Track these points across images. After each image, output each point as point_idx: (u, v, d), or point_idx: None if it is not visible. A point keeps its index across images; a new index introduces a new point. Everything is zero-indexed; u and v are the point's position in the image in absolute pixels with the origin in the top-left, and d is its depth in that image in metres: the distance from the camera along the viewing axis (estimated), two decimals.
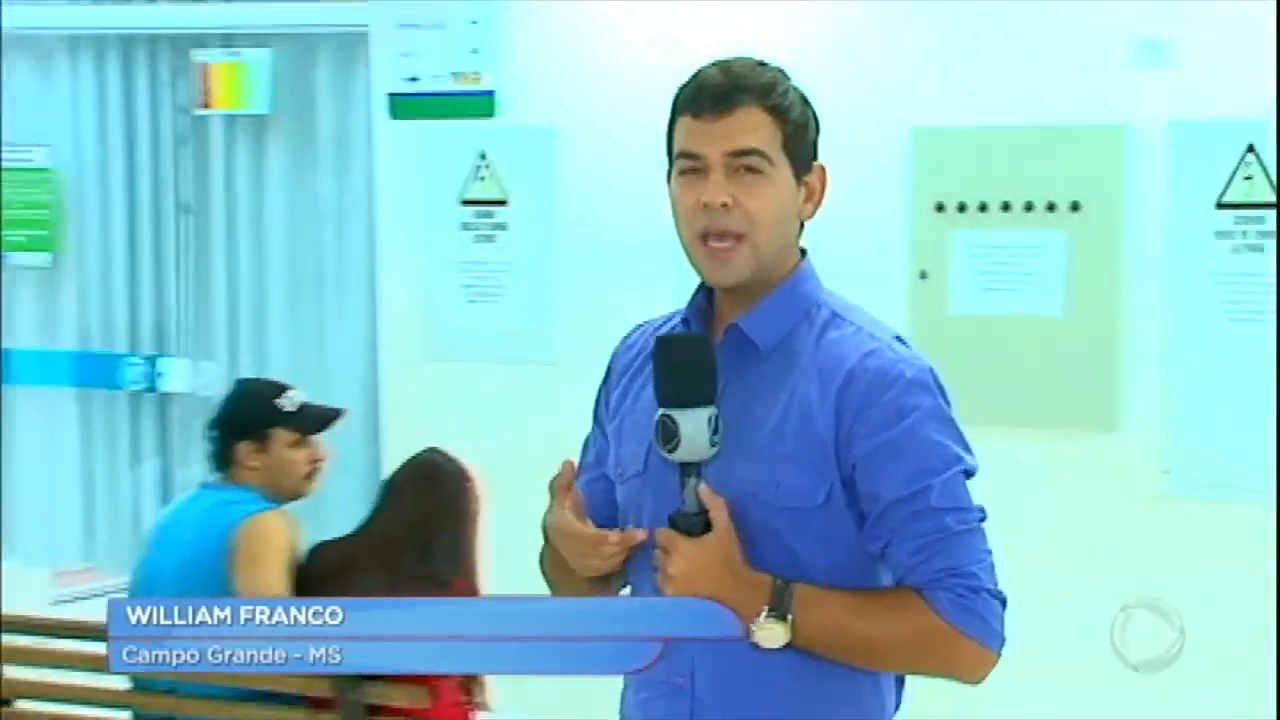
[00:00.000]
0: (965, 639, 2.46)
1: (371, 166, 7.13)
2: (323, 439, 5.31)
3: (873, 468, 2.51)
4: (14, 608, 5.73)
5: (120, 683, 5.11)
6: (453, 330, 6.81)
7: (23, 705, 5.25)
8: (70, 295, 7.81)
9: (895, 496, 2.49)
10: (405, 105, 6.85)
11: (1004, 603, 2.52)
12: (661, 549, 2.48)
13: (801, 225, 2.71)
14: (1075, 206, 5.97)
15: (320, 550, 5.05)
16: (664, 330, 2.75)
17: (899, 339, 2.65)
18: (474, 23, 6.60)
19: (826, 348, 2.59)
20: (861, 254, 6.13)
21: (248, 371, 7.23)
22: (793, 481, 2.53)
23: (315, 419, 5.32)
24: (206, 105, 7.39)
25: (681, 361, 2.47)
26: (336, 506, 6.14)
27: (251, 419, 5.20)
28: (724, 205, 2.53)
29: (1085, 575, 5.99)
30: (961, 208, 6.17)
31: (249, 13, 7.32)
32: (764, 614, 2.44)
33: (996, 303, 6.15)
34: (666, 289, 6.38)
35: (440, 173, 6.75)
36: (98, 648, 5.07)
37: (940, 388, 2.60)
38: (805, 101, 2.67)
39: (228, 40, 7.34)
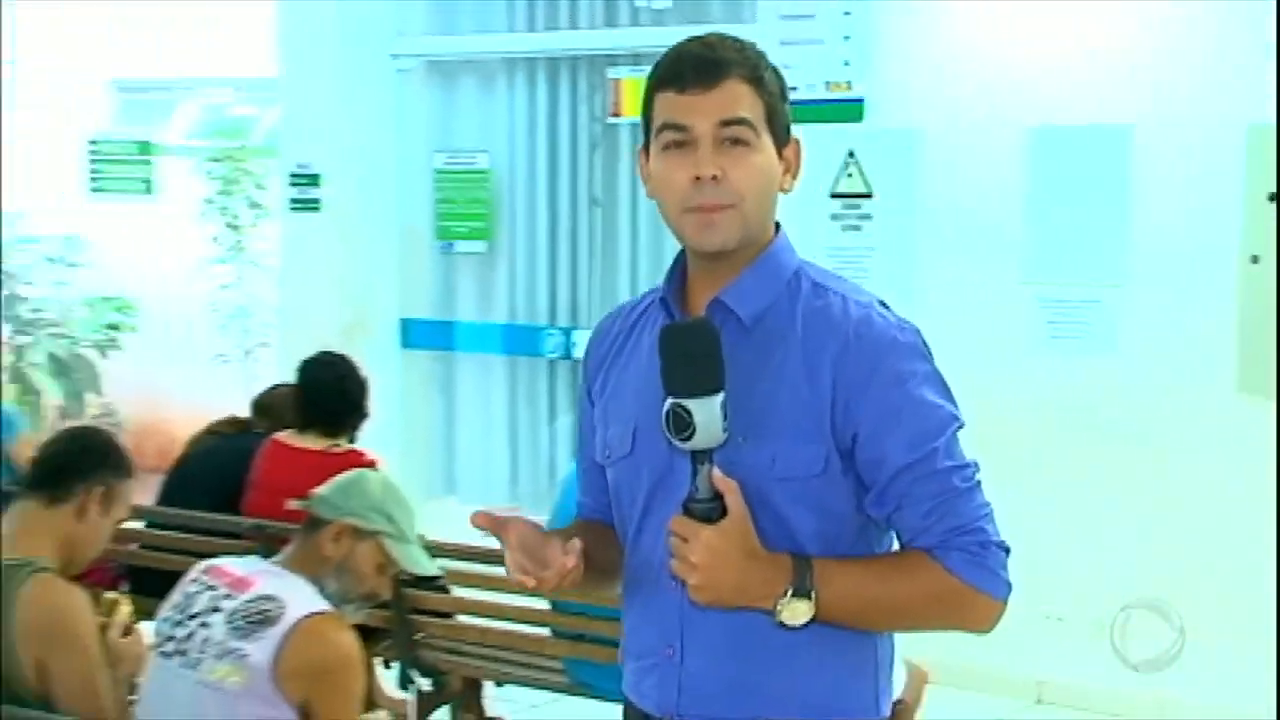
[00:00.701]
0: (978, 593, 2.19)
1: None
2: None
3: (877, 434, 2.20)
4: (457, 539, 5.82)
5: (540, 603, 5.13)
6: None
7: (463, 619, 5.30)
8: (502, 277, 8.07)
9: (903, 462, 2.19)
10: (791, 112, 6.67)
11: (1008, 551, 2.23)
12: (680, 538, 2.13)
13: (777, 198, 2.37)
14: None
15: None
16: (639, 312, 2.46)
17: (882, 303, 2.33)
18: (846, 38, 6.58)
19: (812, 316, 2.27)
20: (1199, 239, 5.93)
21: None
22: (790, 452, 2.21)
23: None
24: (616, 114, 7.55)
25: (691, 350, 2.10)
26: None
27: None
28: (714, 178, 2.21)
29: None
30: None
31: (654, 34, 7.34)
32: (789, 593, 2.13)
33: None
34: (1014, 271, 6.21)
35: (813, 170, 6.54)
36: None
37: (928, 349, 2.29)
38: (779, 76, 2.35)
39: (635, 59, 7.47)
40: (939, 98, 6.48)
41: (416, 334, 8.23)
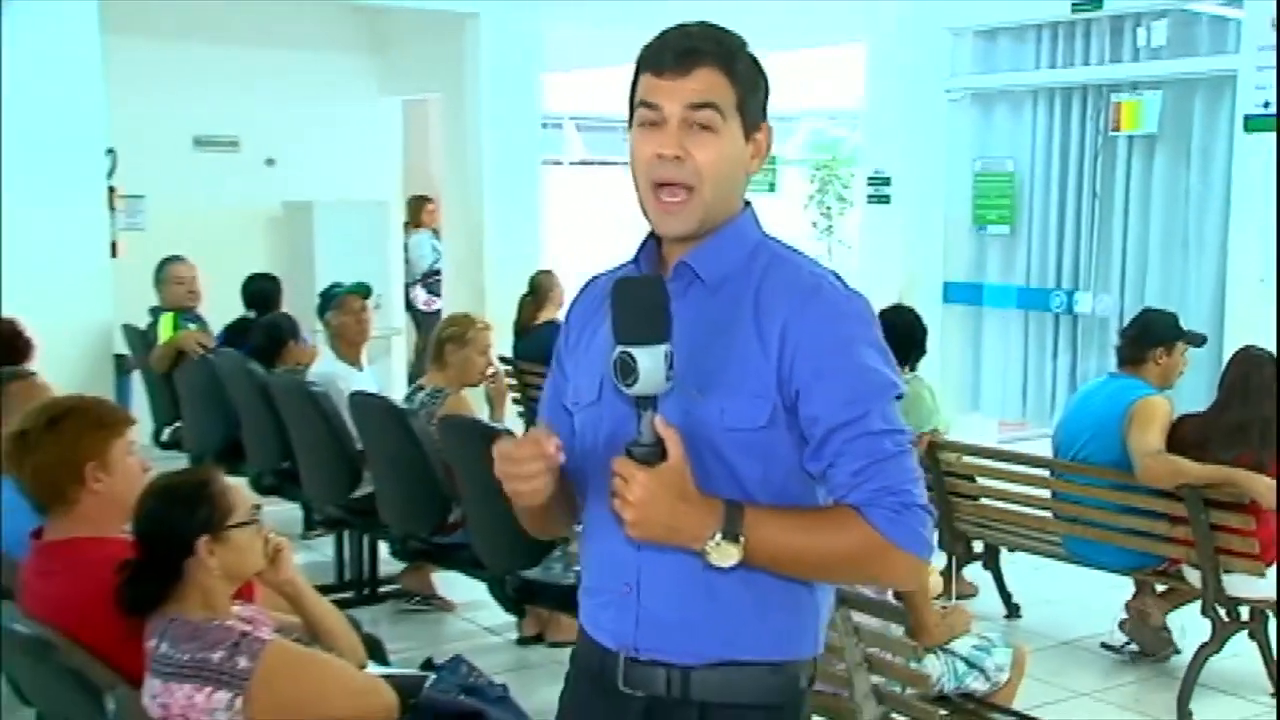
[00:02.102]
0: (899, 551, 1.73)
1: (1229, 166, 6.66)
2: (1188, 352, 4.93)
3: (816, 393, 1.75)
4: (984, 442, 5.80)
5: (1044, 493, 5.03)
6: None
7: (985, 502, 5.27)
8: (1020, 251, 7.85)
9: (838, 421, 1.74)
10: (1258, 123, 6.35)
11: (932, 515, 1.77)
12: (620, 478, 1.69)
13: (748, 177, 1.88)
14: None
15: (1182, 420, 4.70)
16: (621, 273, 1.93)
17: (836, 276, 1.86)
18: None
19: (770, 283, 1.81)
20: None
21: (1132, 303, 6.98)
22: (737, 406, 1.77)
23: (1198, 338, 5.00)
24: (1115, 129, 7.20)
25: (639, 302, 1.69)
26: (1189, 395, 5.64)
27: (1166, 332, 4.88)
28: (677, 158, 1.78)
29: None
30: None
31: (1152, 67, 7.03)
32: (717, 536, 1.70)
33: None
34: None
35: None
36: (1029, 470, 5.02)
37: (875, 318, 1.84)
38: (757, 66, 1.86)
39: (1134, 86, 7.14)
40: None
41: (955, 293, 8.13)
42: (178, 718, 2.57)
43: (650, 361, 1.65)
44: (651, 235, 1.89)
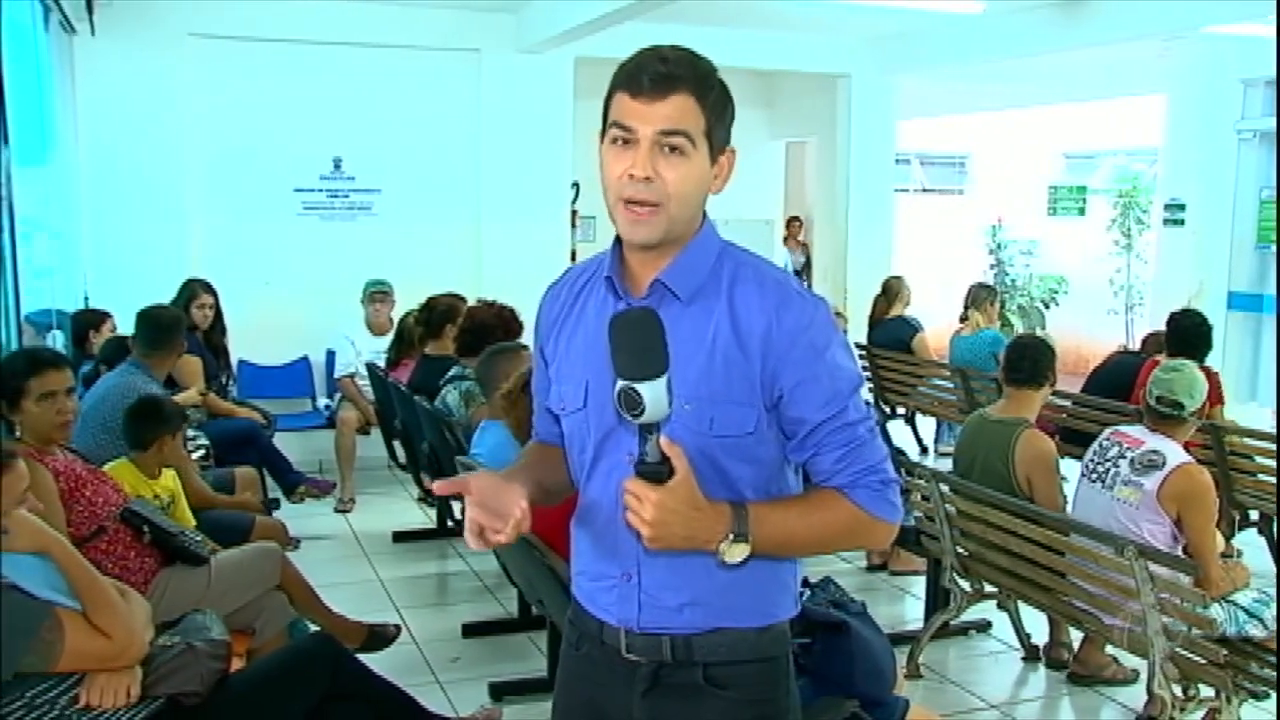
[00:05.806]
0: (881, 522, 1.49)
1: None
2: None
3: (799, 396, 1.46)
4: (1260, 427, 5.16)
5: None
6: None
7: (1261, 477, 4.65)
8: None
9: (821, 417, 1.47)
10: None
11: (900, 485, 1.52)
12: (634, 497, 1.39)
13: (706, 196, 1.51)
14: None
15: None
16: (582, 283, 1.61)
17: (794, 278, 1.55)
18: None
19: (739, 294, 1.48)
20: None
21: None
22: (726, 415, 1.46)
23: None
24: None
25: (637, 340, 1.36)
26: None
27: None
28: (647, 179, 1.43)
29: None
30: None
31: None
32: (730, 538, 1.41)
33: None
34: None
35: None
36: None
37: (834, 319, 1.51)
38: (726, 93, 1.49)
39: None
40: None
41: (1238, 301, 7.31)
42: None
43: (653, 394, 1.34)
44: (614, 246, 1.56)
